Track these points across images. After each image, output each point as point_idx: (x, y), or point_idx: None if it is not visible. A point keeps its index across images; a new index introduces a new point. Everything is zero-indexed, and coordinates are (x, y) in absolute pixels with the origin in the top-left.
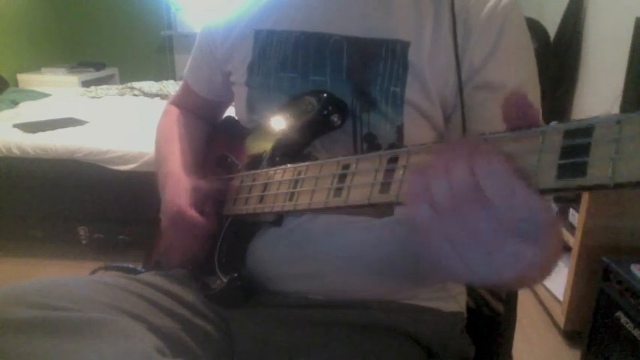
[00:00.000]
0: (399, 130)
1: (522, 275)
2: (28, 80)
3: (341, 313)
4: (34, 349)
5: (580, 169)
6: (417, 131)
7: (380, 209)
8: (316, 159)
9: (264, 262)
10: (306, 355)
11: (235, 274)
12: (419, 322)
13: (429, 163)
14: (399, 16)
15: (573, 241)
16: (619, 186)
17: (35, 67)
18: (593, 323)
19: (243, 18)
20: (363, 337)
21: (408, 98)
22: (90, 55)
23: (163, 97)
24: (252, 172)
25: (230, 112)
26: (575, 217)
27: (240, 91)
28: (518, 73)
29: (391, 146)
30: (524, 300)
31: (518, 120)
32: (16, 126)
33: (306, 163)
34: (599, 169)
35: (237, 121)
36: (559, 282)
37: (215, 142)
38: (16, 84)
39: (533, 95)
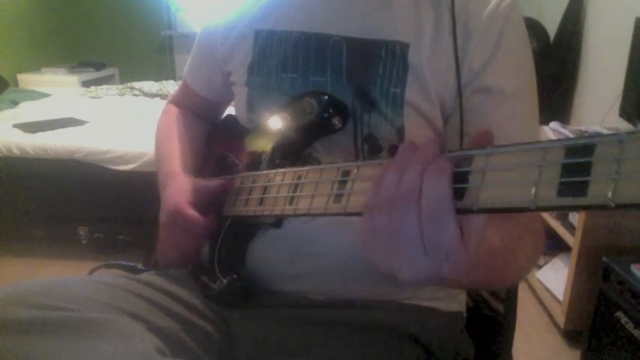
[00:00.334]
0: (400, 131)
1: (438, 281)
2: (28, 80)
3: (341, 313)
4: (34, 349)
5: (581, 189)
6: (417, 132)
7: None
8: (317, 160)
9: (263, 263)
10: (306, 355)
11: (235, 275)
12: (419, 322)
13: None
14: (399, 17)
15: (573, 241)
16: (620, 207)
17: (35, 67)
18: (593, 323)
19: (243, 18)
20: (363, 337)
21: (408, 99)
22: (90, 55)
23: (163, 97)
24: (253, 173)
25: (230, 110)
26: (575, 217)
27: (240, 92)
28: (517, 77)
29: (392, 149)
30: (524, 300)
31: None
32: (16, 126)
33: (307, 168)
34: (600, 188)
35: (237, 120)
36: (559, 282)
37: (215, 141)
38: (16, 84)
39: (531, 99)
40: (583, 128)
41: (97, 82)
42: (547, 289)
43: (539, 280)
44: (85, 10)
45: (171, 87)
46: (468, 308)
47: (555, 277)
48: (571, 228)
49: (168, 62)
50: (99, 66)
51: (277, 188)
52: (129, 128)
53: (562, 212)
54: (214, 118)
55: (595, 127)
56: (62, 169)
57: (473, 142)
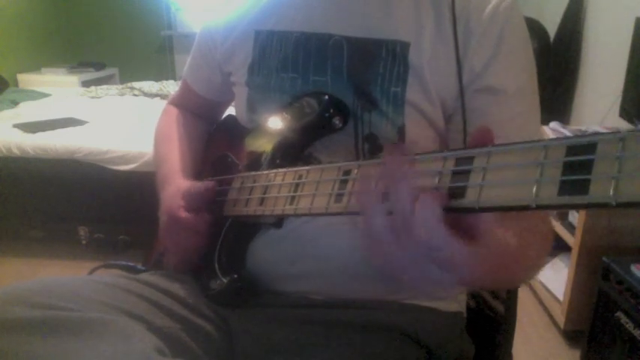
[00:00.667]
0: (401, 130)
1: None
2: (28, 80)
3: (341, 313)
4: (34, 348)
5: (582, 187)
6: (418, 132)
7: None
8: (317, 160)
9: (264, 263)
10: (307, 355)
11: (235, 275)
12: (419, 322)
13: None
14: (399, 16)
15: (573, 241)
16: (621, 205)
17: (35, 67)
18: (593, 323)
19: (243, 18)
20: (363, 337)
21: (409, 98)
22: (90, 55)
23: (163, 97)
24: (253, 173)
25: (231, 111)
26: (575, 217)
27: (241, 92)
28: (519, 76)
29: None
30: (524, 300)
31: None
32: (16, 126)
33: (307, 167)
34: (601, 187)
35: (237, 120)
36: (559, 282)
37: (216, 141)
38: (16, 84)
39: (532, 98)
40: (583, 128)
41: (97, 82)
42: (547, 289)
43: (539, 280)
44: (85, 10)
45: (172, 87)
46: (468, 308)
47: (555, 276)
48: (571, 228)
49: (168, 62)
50: (99, 66)
51: (278, 188)
52: (129, 128)
53: (562, 212)
54: (214, 119)
55: (595, 127)
56: (62, 169)
57: (472, 140)
